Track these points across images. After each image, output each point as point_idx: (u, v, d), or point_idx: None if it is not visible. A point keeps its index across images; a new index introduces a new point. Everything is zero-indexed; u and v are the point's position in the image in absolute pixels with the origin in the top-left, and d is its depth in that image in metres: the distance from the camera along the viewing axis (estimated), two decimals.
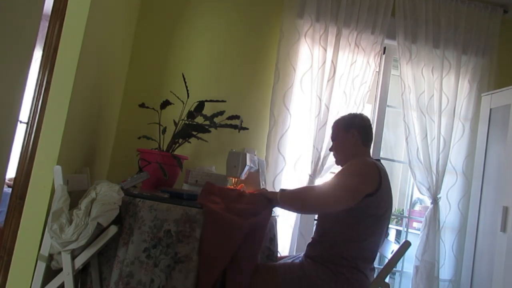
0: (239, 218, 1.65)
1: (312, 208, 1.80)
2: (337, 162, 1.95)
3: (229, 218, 1.64)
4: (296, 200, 1.76)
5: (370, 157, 1.86)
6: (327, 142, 2.66)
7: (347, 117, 1.94)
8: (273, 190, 2.55)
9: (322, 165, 2.67)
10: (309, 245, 1.80)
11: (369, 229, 1.69)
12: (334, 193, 1.68)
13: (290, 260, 1.81)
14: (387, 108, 2.99)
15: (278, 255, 2.00)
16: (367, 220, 1.68)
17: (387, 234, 2.07)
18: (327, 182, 1.78)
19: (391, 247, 1.86)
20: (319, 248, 1.73)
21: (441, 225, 2.81)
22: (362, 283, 1.65)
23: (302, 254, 1.83)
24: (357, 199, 1.64)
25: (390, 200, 1.75)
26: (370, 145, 1.91)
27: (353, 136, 1.85)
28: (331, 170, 2.74)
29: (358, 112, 2.34)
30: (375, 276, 1.78)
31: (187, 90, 2.32)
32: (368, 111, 3.04)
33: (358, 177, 1.68)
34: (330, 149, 1.97)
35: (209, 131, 2.19)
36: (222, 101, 2.33)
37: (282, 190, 1.80)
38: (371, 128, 1.91)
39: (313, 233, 1.85)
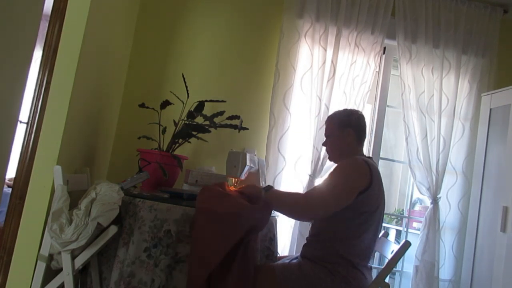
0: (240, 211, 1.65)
1: (301, 215, 1.80)
2: (330, 158, 1.96)
3: (227, 215, 1.63)
4: (283, 205, 1.76)
5: (362, 154, 1.86)
6: None
7: (343, 114, 1.90)
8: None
9: (322, 165, 2.67)
10: (305, 245, 1.80)
11: (363, 226, 1.69)
12: (324, 200, 1.68)
13: (287, 261, 1.81)
14: (387, 108, 2.99)
15: (278, 255, 2.00)
16: (360, 217, 1.68)
17: (386, 234, 2.07)
18: (317, 187, 1.78)
19: (391, 247, 1.85)
20: (314, 248, 1.73)
21: (441, 225, 2.81)
22: (359, 281, 1.65)
23: (299, 255, 1.83)
24: (349, 200, 1.65)
25: (382, 196, 1.75)
26: (363, 142, 1.91)
27: (348, 136, 1.84)
28: (330, 170, 2.73)
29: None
30: (373, 275, 1.78)
31: (187, 90, 2.32)
32: (368, 111, 3.04)
33: (348, 177, 1.70)
34: (323, 144, 1.95)
35: (209, 131, 2.19)
36: (222, 101, 2.33)
37: (267, 189, 1.77)
38: (365, 125, 1.90)
39: (308, 233, 1.85)
